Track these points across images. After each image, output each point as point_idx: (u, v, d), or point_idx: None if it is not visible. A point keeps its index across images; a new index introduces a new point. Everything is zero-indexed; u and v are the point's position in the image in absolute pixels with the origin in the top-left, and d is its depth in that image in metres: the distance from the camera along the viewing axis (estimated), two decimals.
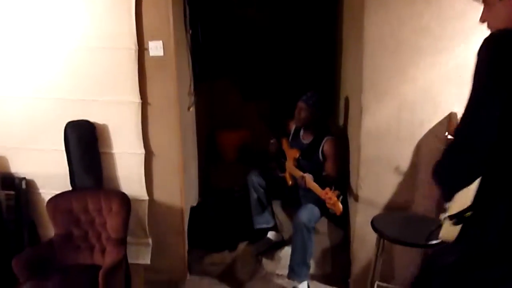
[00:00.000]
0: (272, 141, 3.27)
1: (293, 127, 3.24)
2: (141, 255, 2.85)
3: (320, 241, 3.16)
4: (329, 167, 2.93)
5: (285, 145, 3.22)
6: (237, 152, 4.00)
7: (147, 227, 2.85)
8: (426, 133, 2.56)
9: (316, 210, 2.84)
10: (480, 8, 1.33)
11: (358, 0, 2.56)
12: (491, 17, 1.27)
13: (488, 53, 1.11)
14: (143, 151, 2.72)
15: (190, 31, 2.96)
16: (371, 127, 2.59)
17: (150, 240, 2.87)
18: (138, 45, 2.57)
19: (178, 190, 2.88)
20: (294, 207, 3.20)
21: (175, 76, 2.69)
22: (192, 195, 3.25)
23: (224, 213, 3.24)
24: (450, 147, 1.23)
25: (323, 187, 2.66)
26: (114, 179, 2.77)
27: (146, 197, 2.81)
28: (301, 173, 2.80)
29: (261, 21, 4.26)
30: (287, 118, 3.36)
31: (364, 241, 2.75)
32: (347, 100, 3.14)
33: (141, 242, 2.86)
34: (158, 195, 2.88)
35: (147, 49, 2.60)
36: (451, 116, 2.50)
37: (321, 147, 2.95)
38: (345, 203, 2.61)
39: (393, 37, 2.43)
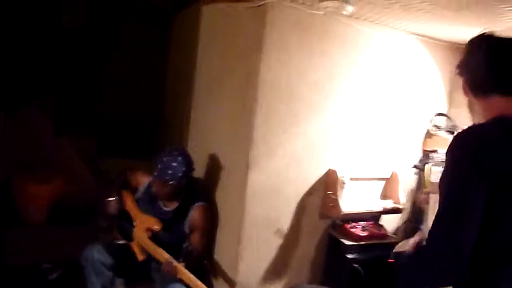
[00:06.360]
0: (111, 199, 2.39)
1: (142, 181, 2.49)
2: None
3: None
4: (196, 240, 2.32)
5: (130, 205, 2.40)
6: (47, 210, 2.82)
7: None
8: (307, 190, 2.41)
9: None
10: None
11: (250, 39, 2.21)
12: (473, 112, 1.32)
13: (461, 150, 1.12)
14: None
15: None
16: (258, 185, 2.25)
17: None
18: None
19: None
20: (141, 283, 2.43)
21: None
22: None
23: None
24: (431, 246, 1.12)
25: (186, 263, 2.07)
26: None
27: None
28: (166, 256, 2.09)
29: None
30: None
31: None
32: (213, 155, 2.63)
33: None
34: None
35: None
36: (328, 173, 2.44)
37: (188, 216, 2.34)
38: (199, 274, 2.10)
39: (289, 88, 2.22)
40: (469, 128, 1.18)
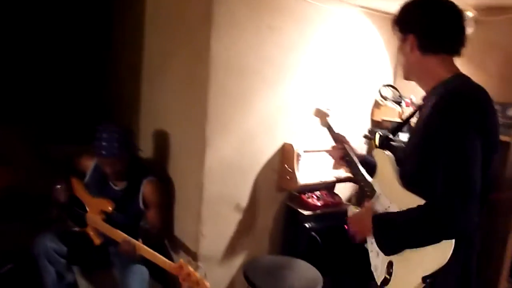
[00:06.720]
0: (58, 186, 2.30)
1: (89, 163, 2.42)
2: None
3: None
4: (153, 217, 2.31)
5: (80, 190, 2.33)
6: None
7: None
8: (263, 164, 2.44)
9: (144, 271, 2.18)
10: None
11: (198, 14, 2.16)
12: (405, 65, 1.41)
13: (465, 112, 1.15)
14: None
15: None
16: (215, 162, 2.26)
17: None
18: None
19: None
20: (100, 270, 2.39)
21: None
22: None
23: None
24: (448, 200, 1.12)
25: (145, 242, 2.06)
26: None
27: None
28: (122, 235, 2.05)
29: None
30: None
31: None
32: (168, 134, 2.59)
33: None
34: None
35: None
36: (284, 147, 2.48)
37: (140, 193, 2.31)
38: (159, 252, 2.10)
39: (239, 62, 2.21)
40: (465, 90, 1.20)
